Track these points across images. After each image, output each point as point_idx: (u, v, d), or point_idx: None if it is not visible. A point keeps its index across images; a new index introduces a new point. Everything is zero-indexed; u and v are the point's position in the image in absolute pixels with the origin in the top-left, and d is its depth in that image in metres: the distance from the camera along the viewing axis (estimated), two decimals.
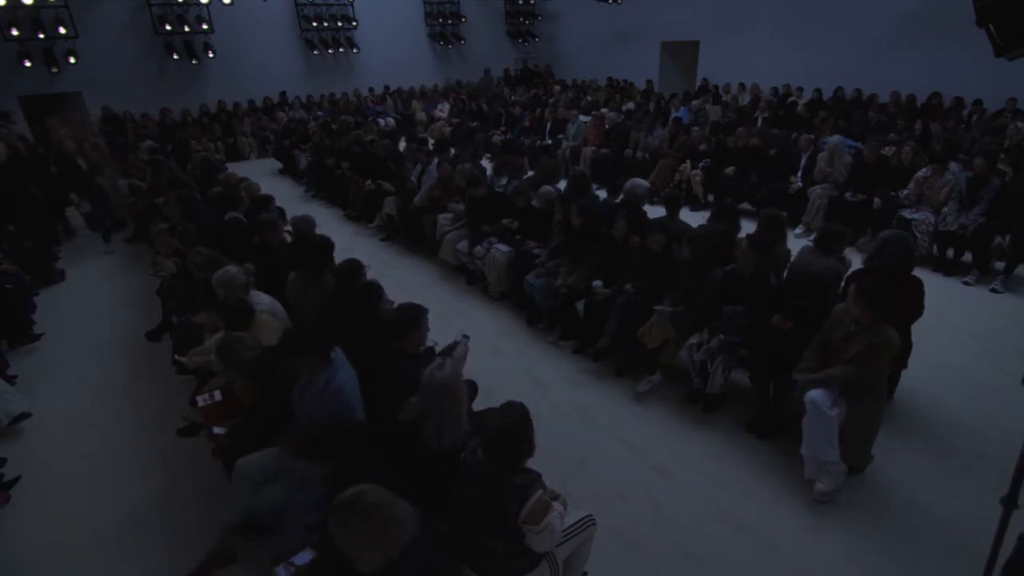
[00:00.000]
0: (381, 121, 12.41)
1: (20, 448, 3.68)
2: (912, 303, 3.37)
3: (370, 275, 3.73)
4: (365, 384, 2.73)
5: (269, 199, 5.47)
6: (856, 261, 3.94)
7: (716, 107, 10.76)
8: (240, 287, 3.40)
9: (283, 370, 2.70)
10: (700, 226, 4.47)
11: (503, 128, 11.35)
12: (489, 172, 7.05)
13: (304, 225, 4.54)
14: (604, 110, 10.58)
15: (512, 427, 2.03)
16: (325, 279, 3.75)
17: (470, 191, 5.80)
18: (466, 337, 2.92)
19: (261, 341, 2.99)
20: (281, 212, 5.37)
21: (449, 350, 2.85)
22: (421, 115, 13.79)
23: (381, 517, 1.63)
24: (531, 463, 2.11)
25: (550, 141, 10.00)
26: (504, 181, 6.36)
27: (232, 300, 3.22)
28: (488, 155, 9.05)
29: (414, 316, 2.85)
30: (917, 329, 3.47)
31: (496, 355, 4.48)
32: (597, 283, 4.18)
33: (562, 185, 5.90)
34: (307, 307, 3.68)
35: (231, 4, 11.56)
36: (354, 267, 3.65)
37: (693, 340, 3.65)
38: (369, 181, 7.67)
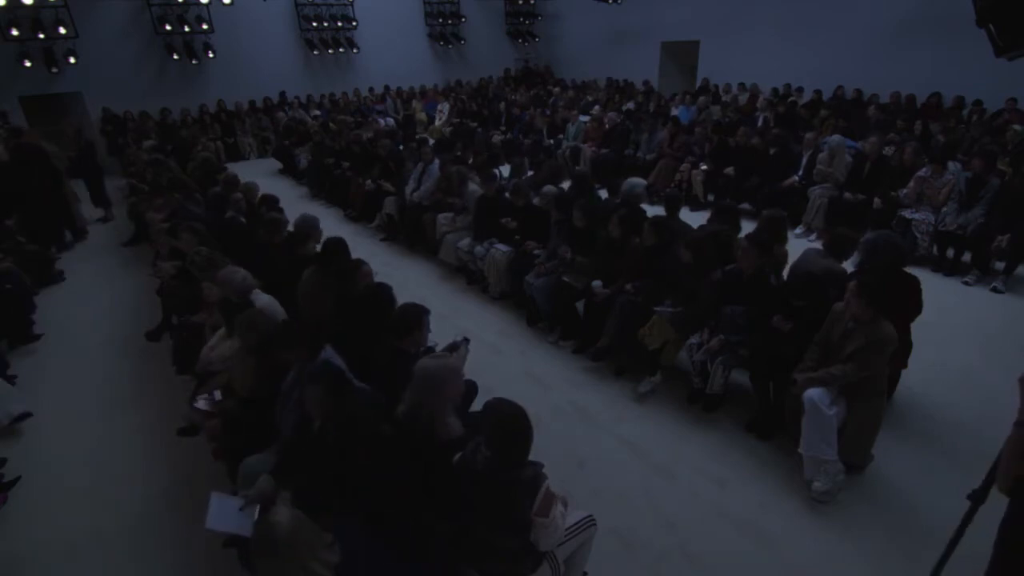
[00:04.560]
0: (381, 121, 12.40)
1: (20, 448, 3.68)
2: (910, 301, 3.37)
3: None
4: (365, 384, 2.72)
5: (274, 200, 5.47)
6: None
7: (716, 107, 10.76)
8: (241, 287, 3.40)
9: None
10: (700, 227, 4.47)
11: (503, 128, 11.35)
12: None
13: (307, 227, 4.54)
14: (597, 107, 10.61)
15: (508, 425, 2.03)
16: (333, 279, 3.75)
17: (474, 190, 5.79)
18: (467, 340, 2.91)
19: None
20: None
21: (450, 351, 2.84)
22: (421, 115, 13.77)
23: (289, 552, 1.66)
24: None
25: (551, 142, 10.00)
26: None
27: (235, 299, 3.24)
28: (487, 154, 9.04)
29: (415, 316, 2.84)
30: (917, 329, 3.47)
31: (496, 355, 4.48)
32: (597, 283, 4.18)
33: (566, 186, 5.88)
34: (316, 306, 3.67)
35: (231, 4, 11.56)
36: (340, 246, 3.72)
37: (693, 340, 3.65)
38: (369, 181, 7.68)
